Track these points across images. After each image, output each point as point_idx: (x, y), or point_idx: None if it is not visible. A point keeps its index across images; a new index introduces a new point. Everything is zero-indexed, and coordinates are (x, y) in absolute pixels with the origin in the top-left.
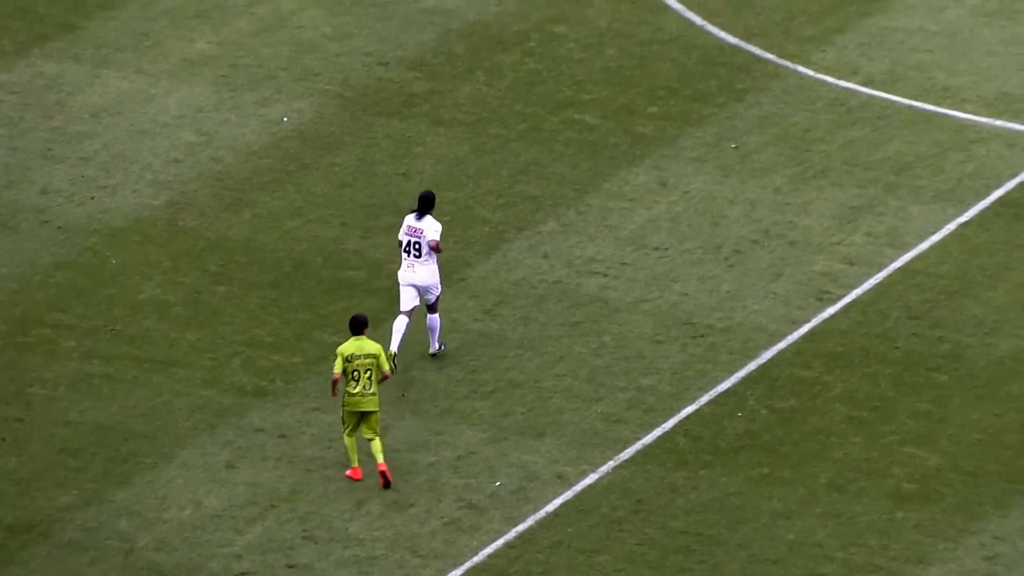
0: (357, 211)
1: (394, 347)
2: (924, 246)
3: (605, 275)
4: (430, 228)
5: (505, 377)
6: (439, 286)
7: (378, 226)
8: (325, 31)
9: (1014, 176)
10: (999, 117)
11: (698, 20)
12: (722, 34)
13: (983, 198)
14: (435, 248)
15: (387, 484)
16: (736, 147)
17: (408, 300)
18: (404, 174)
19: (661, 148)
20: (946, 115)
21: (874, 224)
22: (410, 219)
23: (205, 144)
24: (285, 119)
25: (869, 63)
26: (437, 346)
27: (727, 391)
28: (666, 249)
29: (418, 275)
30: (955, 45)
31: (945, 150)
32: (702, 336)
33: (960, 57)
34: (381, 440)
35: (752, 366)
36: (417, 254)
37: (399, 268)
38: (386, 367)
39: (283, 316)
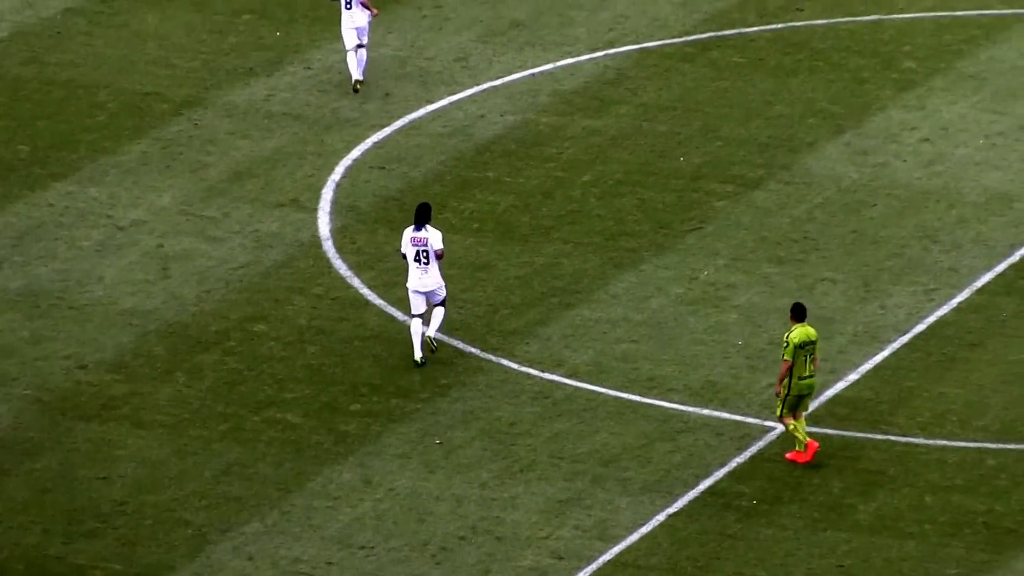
0: (58, 516)
1: (418, 354)
2: (633, 538)
3: (311, 575)
4: (434, 237)
5: None
6: (444, 288)
7: (80, 531)
8: (22, 335)
9: (722, 466)
10: (706, 406)
11: (400, 315)
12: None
13: (691, 488)
14: (439, 255)
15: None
16: (441, 443)
17: (419, 305)
18: (105, 478)
19: (365, 446)
20: (652, 405)
21: (582, 517)
22: (411, 231)
23: None
24: None
25: (574, 355)
26: (435, 333)
27: None
28: (372, 547)
29: (426, 281)
30: (660, 335)
31: (652, 440)
32: None
33: (665, 347)
34: None
35: None
36: (426, 261)
37: (407, 278)
38: None
39: None
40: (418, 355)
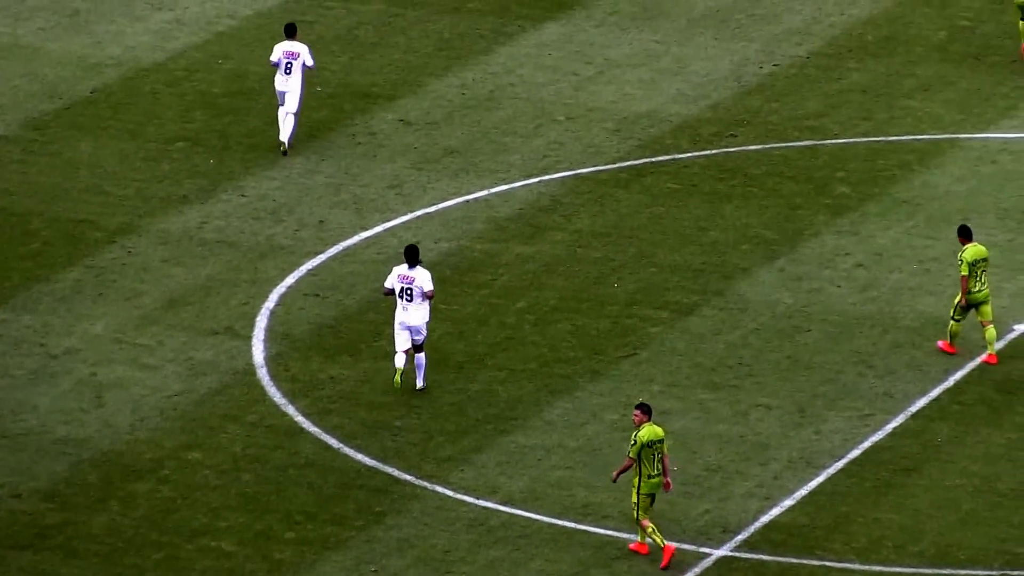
0: None
1: (398, 380)
2: None
3: None
4: (423, 278)
5: None
6: (426, 328)
7: None
8: None
9: None
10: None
11: (335, 443)
12: (360, 456)
13: None
14: (429, 296)
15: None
16: (376, 571)
17: (403, 341)
18: None
19: (300, 574)
20: (588, 532)
21: None
22: (401, 269)
23: None
24: None
25: (509, 481)
26: (423, 383)
27: None
28: None
29: (409, 317)
30: (595, 461)
31: (588, 567)
32: None
33: (600, 473)
34: None
35: None
36: (409, 299)
37: (395, 312)
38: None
39: None
40: (398, 380)
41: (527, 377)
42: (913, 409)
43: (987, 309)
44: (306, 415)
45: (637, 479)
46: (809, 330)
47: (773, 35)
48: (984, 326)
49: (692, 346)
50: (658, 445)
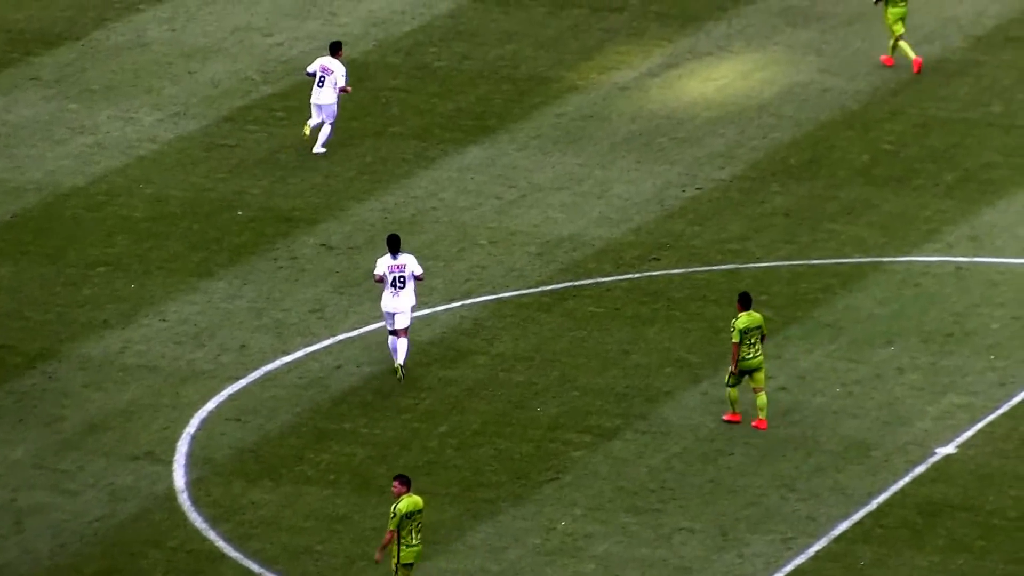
0: None
1: (398, 362)
2: None
3: None
4: (411, 262)
5: None
6: (413, 309)
7: None
8: None
9: None
10: None
11: (256, 567)
12: None
13: None
14: (420, 278)
15: None
16: None
17: (391, 323)
18: None
19: None
20: None
21: None
22: (387, 259)
23: None
24: None
25: None
26: (403, 361)
27: None
28: None
29: (399, 302)
30: None
31: None
32: None
33: None
34: None
35: None
36: (402, 285)
37: (382, 298)
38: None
39: None
40: (399, 362)
41: (449, 501)
42: (836, 532)
43: (760, 376)
44: (227, 540)
45: (396, 549)
46: (732, 453)
47: (696, 158)
48: (756, 392)
49: (615, 470)
50: (417, 516)
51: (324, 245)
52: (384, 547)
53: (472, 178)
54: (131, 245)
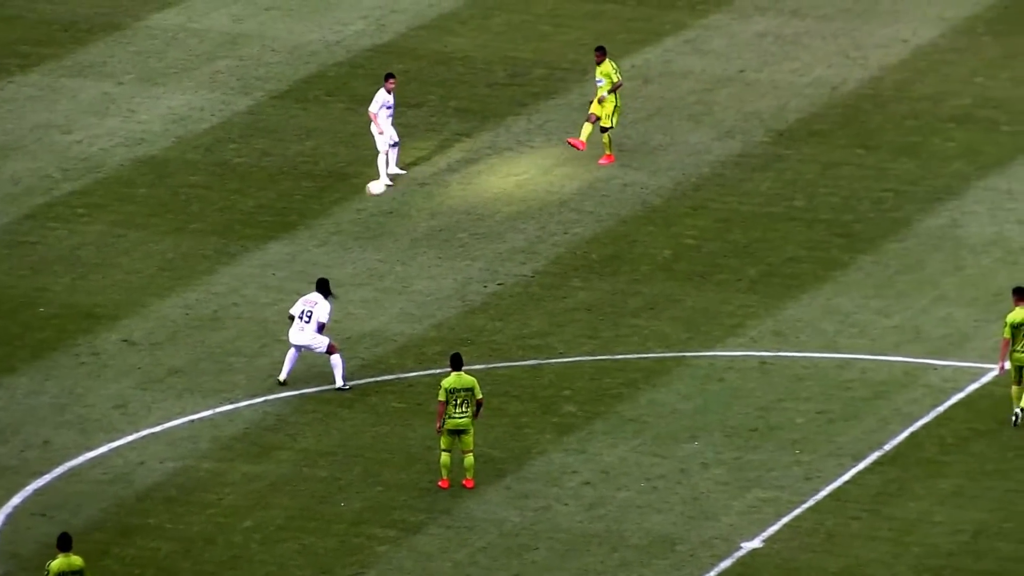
0: None
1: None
2: None
3: None
4: (322, 308)
5: None
6: (320, 341)
7: None
8: None
9: None
10: None
11: None
12: None
13: None
14: (320, 328)
15: None
16: None
17: (291, 354)
18: None
19: None
20: None
21: None
22: (309, 295)
23: None
24: None
25: None
26: (342, 382)
27: None
28: None
29: (300, 337)
30: None
31: None
32: None
33: None
34: None
35: None
36: (307, 320)
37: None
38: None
39: None
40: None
41: None
42: None
43: (468, 439)
44: None
45: None
46: (537, 548)
47: (497, 253)
48: (463, 454)
49: (419, 565)
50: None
51: (126, 341)
52: None
53: (273, 274)
54: None
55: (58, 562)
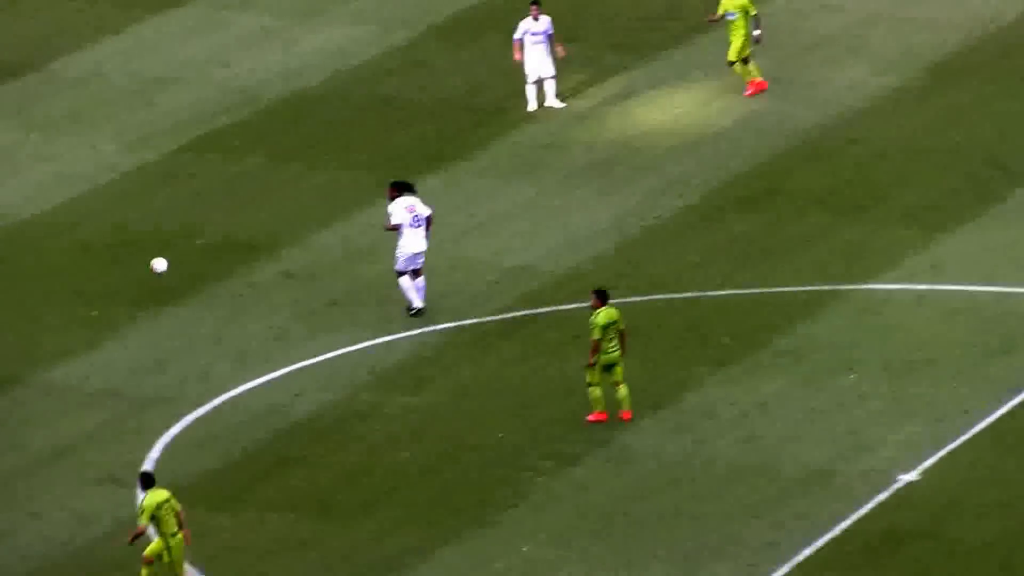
0: None
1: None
2: None
3: None
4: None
5: None
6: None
7: None
8: None
9: None
10: None
11: None
12: None
13: None
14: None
15: None
16: None
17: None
18: None
19: None
20: None
21: None
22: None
23: None
24: None
25: None
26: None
27: None
28: None
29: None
30: None
31: None
32: None
33: None
34: None
35: None
36: (419, 225)
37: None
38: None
39: None
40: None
41: (415, 527)
42: (799, 559)
43: (619, 370)
44: (192, 564)
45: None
46: (693, 480)
47: (654, 187)
48: (616, 386)
49: (576, 495)
50: (166, 505)
51: (284, 273)
52: (136, 536)
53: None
54: (88, 275)
55: (149, 499)
